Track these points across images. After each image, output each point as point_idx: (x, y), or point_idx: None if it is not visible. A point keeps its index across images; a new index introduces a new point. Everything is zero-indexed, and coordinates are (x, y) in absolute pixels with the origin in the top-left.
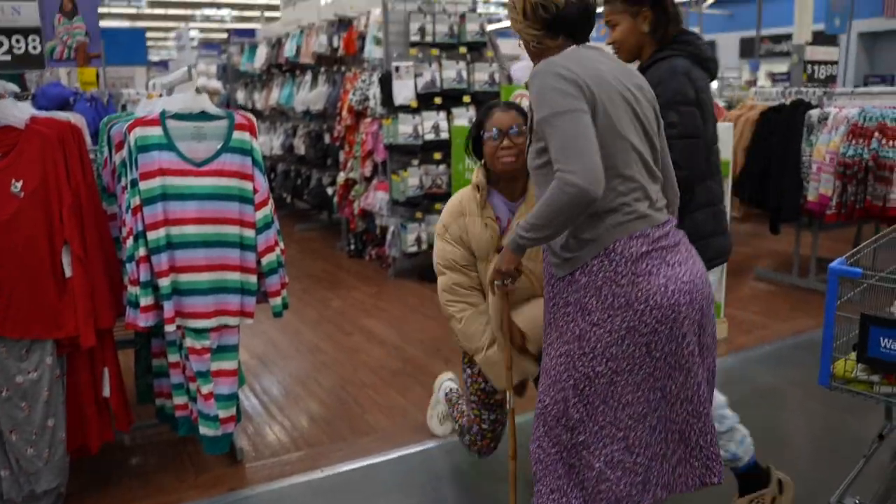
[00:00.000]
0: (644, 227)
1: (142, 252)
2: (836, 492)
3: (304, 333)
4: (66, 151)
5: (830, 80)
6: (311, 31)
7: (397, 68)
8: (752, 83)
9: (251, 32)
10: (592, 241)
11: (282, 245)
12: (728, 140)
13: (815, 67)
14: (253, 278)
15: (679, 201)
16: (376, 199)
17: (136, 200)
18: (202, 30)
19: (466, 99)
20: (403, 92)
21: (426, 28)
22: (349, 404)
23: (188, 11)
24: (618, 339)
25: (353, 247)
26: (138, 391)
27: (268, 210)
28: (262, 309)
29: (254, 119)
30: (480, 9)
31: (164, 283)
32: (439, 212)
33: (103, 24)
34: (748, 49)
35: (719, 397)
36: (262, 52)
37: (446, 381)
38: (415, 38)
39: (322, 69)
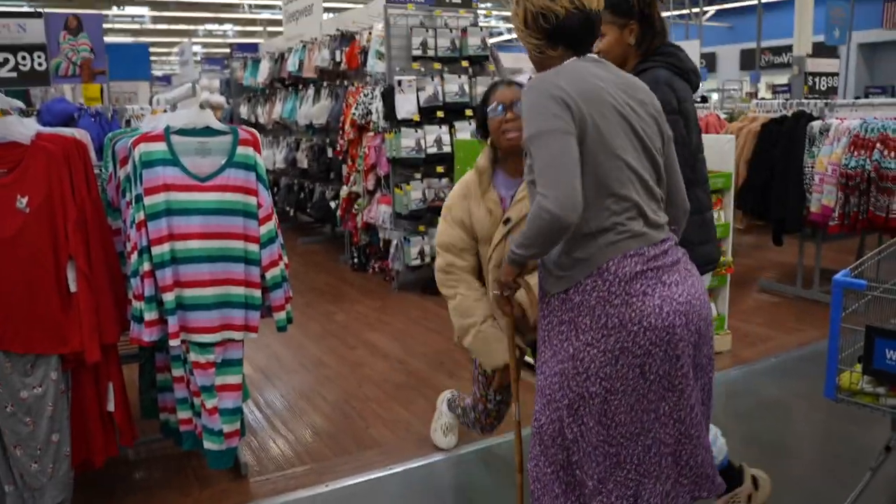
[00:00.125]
0: (638, 245)
1: (146, 267)
2: None
3: (308, 347)
4: (72, 167)
5: (831, 91)
6: (314, 45)
7: (399, 82)
8: (753, 95)
9: (254, 47)
10: (585, 260)
11: (286, 259)
12: (730, 152)
13: (816, 79)
14: (257, 293)
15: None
16: (379, 212)
17: (141, 215)
18: (205, 45)
19: (469, 112)
20: (406, 106)
21: (428, 42)
22: (353, 418)
23: (191, 27)
24: (611, 360)
25: (356, 260)
26: (142, 406)
27: (272, 225)
28: (265, 323)
29: (257, 134)
30: (482, 23)
31: (169, 297)
32: None
33: (106, 39)
34: (749, 61)
35: None
36: (265, 67)
37: (448, 394)
38: (417, 52)
39: (325, 83)
